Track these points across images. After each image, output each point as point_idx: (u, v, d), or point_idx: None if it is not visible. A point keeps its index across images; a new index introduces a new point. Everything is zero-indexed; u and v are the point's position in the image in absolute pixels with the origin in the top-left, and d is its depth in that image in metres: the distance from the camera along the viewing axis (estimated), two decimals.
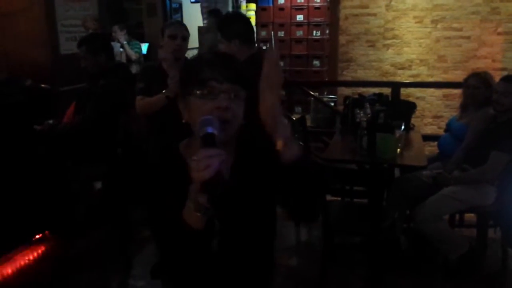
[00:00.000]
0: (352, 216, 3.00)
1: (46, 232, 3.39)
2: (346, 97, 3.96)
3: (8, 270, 3.00)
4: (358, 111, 3.45)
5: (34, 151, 3.32)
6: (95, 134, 3.26)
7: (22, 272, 3.02)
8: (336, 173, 2.94)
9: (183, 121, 1.19)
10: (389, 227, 3.10)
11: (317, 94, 6.35)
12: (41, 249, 3.27)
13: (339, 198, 3.43)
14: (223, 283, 1.25)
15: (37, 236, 3.35)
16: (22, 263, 3.10)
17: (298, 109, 7.38)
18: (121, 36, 6.09)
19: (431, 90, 6.04)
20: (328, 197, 3.07)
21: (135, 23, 7.42)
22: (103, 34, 3.66)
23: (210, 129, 1.01)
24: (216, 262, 1.18)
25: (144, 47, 6.60)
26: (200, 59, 1.21)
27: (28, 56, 3.82)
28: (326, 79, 7.30)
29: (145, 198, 1.21)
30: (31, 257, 3.17)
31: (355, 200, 3.39)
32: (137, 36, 6.63)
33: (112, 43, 5.36)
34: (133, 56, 5.93)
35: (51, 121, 3.39)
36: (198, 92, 1.13)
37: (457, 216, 3.41)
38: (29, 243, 3.28)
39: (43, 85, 3.78)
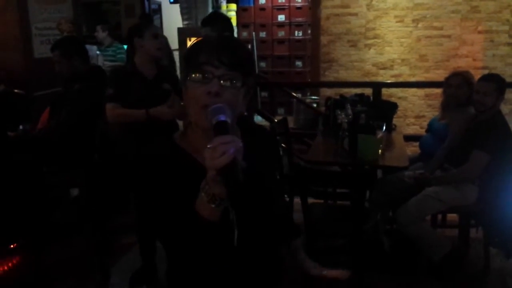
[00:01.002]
0: (335, 218, 2.97)
1: (19, 242, 3.28)
2: (328, 98, 3.92)
3: None
4: (339, 112, 3.41)
5: (7, 157, 3.22)
6: (70, 139, 3.18)
7: None
8: (318, 175, 2.90)
9: (181, 103, 1.16)
10: (372, 229, 3.06)
11: (300, 95, 6.33)
12: (14, 260, 3.17)
13: (322, 201, 3.39)
14: (240, 278, 1.21)
15: (11, 246, 3.24)
16: None
17: (281, 110, 7.36)
18: (104, 37, 6.00)
19: (413, 90, 6.05)
20: (311, 200, 3.03)
21: (114, 24, 7.30)
22: (76, 37, 3.57)
23: (222, 117, 0.99)
24: (236, 256, 1.14)
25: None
26: (202, 42, 1.15)
27: (0, 60, 3.71)
28: (309, 80, 7.28)
29: (148, 198, 1.12)
30: (5, 268, 3.06)
31: (338, 202, 3.36)
32: (115, 37, 6.52)
33: (88, 46, 5.29)
34: (103, 65, 5.78)
35: (24, 127, 3.29)
36: (193, 75, 1.09)
37: (440, 217, 3.39)
38: (2, 253, 3.17)
39: (16, 90, 3.68)
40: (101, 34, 6.03)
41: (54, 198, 3.44)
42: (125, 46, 6.42)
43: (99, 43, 6.10)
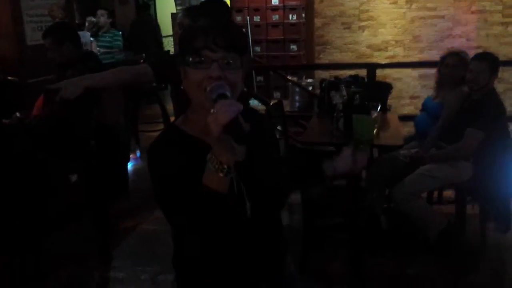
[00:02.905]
0: (332, 198, 2.99)
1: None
2: (322, 80, 3.93)
3: None
4: (334, 94, 3.42)
5: (3, 145, 3.21)
6: (66, 126, 3.17)
7: None
8: (314, 155, 2.92)
9: (181, 87, 1.17)
10: (369, 207, 3.10)
11: (295, 78, 6.32)
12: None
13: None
14: (252, 250, 1.23)
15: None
16: None
17: (277, 94, 7.35)
18: (105, 22, 5.97)
19: (408, 70, 6.04)
20: None
21: (109, 11, 7.26)
22: (68, 23, 3.54)
23: (222, 90, 1.02)
24: (249, 227, 1.17)
25: None
26: (195, 27, 1.16)
27: None
28: (304, 63, 7.26)
29: (164, 184, 1.12)
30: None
31: (334, 182, 3.38)
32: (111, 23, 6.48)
33: (81, 32, 5.25)
34: (97, 52, 5.73)
35: (19, 114, 3.29)
36: (191, 60, 1.11)
37: (436, 193, 3.43)
38: None
39: (10, 78, 3.66)
40: (103, 19, 5.98)
41: (53, 185, 3.44)
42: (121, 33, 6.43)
43: (95, 29, 6.07)
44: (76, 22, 6.61)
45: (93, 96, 3.16)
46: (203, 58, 1.09)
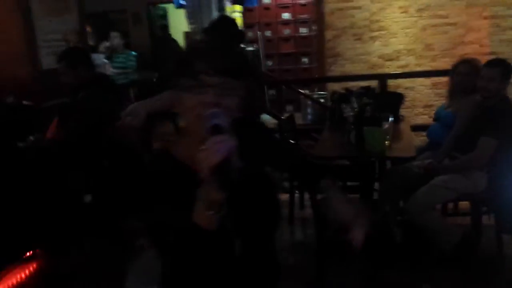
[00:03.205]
0: None
1: (37, 249, 3.34)
2: (333, 93, 3.92)
3: None
4: (344, 106, 3.42)
5: (18, 168, 3.28)
6: (80, 147, 3.22)
7: None
8: (326, 169, 2.90)
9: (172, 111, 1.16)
10: (382, 220, 3.06)
11: (307, 91, 6.33)
12: (32, 267, 3.22)
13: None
14: (238, 282, 1.19)
15: (28, 254, 3.29)
16: (14, 281, 3.04)
17: (290, 107, 7.36)
18: (119, 43, 6.10)
19: (420, 79, 6.00)
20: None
21: (122, 33, 7.41)
22: (81, 47, 3.62)
23: (217, 121, 0.99)
24: (237, 264, 1.13)
25: None
26: (191, 50, 1.16)
27: (9, 73, 3.78)
28: (316, 76, 7.27)
29: (147, 209, 1.12)
30: (22, 275, 3.12)
31: (347, 195, 3.35)
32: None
33: (95, 55, 5.36)
34: (111, 73, 5.84)
35: (32, 138, 3.35)
36: (186, 84, 1.07)
37: (451, 205, 3.37)
38: (20, 261, 3.23)
39: (25, 102, 3.74)
40: (116, 40, 6.11)
41: (67, 205, 3.48)
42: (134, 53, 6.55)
43: (109, 52, 6.20)
44: (91, 44, 6.79)
45: (104, 114, 3.21)
46: (198, 83, 1.05)
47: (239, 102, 1.12)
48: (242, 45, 2.79)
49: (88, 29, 7.72)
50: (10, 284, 3.01)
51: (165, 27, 8.39)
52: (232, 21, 2.90)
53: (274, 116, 4.73)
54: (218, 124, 0.98)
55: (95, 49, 6.40)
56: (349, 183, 3.27)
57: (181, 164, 1.14)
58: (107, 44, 6.15)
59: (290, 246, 3.39)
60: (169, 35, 8.13)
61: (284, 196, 3.88)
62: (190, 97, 1.07)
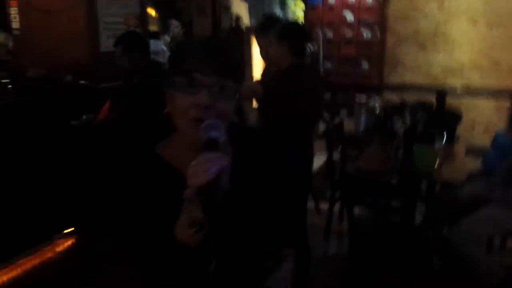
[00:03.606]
0: (383, 234, 2.85)
1: (75, 227, 3.45)
2: (386, 103, 3.78)
3: (37, 260, 3.05)
4: (396, 119, 3.28)
5: (69, 146, 3.39)
6: (128, 132, 3.28)
7: (49, 265, 3.07)
8: (366, 185, 2.80)
9: (164, 112, 1.06)
10: (422, 246, 2.91)
11: (364, 97, 6.16)
12: (70, 242, 3.32)
13: (371, 212, 3.27)
14: None
15: (66, 231, 3.41)
16: (51, 254, 3.15)
17: (344, 112, 7.20)
18: (179, 32, 6.21)
19: (483, 98, 5.67)
20: (358, 211, 2.94)
21: (187, 22, 7.52)
22: (138, 32, 3.68)
23: (214, 134, 0.93)
24: (211, 285, 1.07)
25: None
26: (186, 46, 1.09)
27: (69, 52, 3.91)
28: (372, 83, 7.06)
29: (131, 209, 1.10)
30: (59, 250, 3.22)
31: (389, 215, 3.22)
32: (185, 34, 6.71)
33: (154, 41, 5.44)
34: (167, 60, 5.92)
35: (87, 117, 3.45)
36: (179, 83, 1.00)
37: (498, 241, 3.16)
38: (59, 237, 3.34)
39: (82, 82, 3.86)
40: (176, 30, 6.21)
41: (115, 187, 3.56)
42: None
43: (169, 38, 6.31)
44: (155, 30, 6.93)
45: (155, 102, 3.25)
46: (192, 82, 0.98)
47: (235, 105, 1.04)
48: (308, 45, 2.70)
49: (154, 14, 7.93)
50: (46, 256, 3.12)
51: (238, 19, 8.45)
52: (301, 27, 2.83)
53: (324, 121, 4.62)
54: (215, 138, 0.93)
55: (157, 35, 6.54)
56: (392, 203, 3.14)
57: (169, 167, 1.08)
58: (167, 38, 6.23)
59: (321, 260, 3.30)
60: (241, 27, 8.18)
61: (324, 206, 3.81)
62: (183, 97, 1.00)
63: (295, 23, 3.04)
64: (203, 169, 0.87)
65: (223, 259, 1.05)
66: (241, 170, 1.07)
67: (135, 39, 3.43)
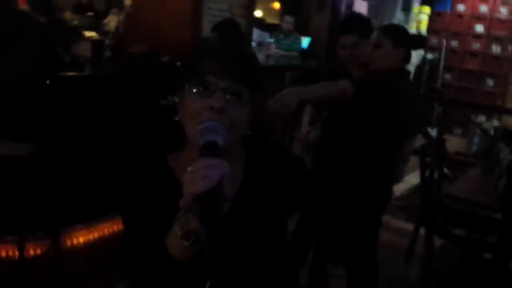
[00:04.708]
0: (468, 271, 2.50)
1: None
2: (497, 128, 3.31)
3: (95, 235, 3.10)
4: (503, 146, 2.86)
5: (154, 124, 3.45)
6: None
7: (108, 239, 3.09)
8: (458, 215, 2.45)
9: (176, 119, 0.99)
10: None
11: (483, 117, 5.57)
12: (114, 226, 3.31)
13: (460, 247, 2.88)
14: None
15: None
16: (110, 230, 3.16)
17: (458, 131, 6.59)
18: (290, 28, 6.17)
19: None
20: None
21: (304, 18, 7.44)
22: (235, 21, 3.61)
23: (213, 137, 0.84)
24: None
25: (306, 41, 6.53)
26: (202, 48, 1.03)
27: (171, 34, 3.99)
28: (498, 103, 6.35)
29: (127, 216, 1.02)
30: (108, 231, 3.21)
31: (479, 252, 2.81)
32: (301, 29, 6.60)
33: (261, 32, 5.39)
34: (273, 53, 5.84)
35: (173, 98, 3.48)
36: (193, 86, 0.94)
37: None
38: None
39: (178, 63, 3.91)
40: (287, 26, 6.17)
41: None
42: (307, 39, 6.50)
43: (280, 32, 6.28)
44: (275, 23, 6.94)
45: None
46: (206, 85, 0.92)
47: (248, 115, 0.95)
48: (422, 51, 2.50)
49: (277, 6, 7.95)
50: (94, 235, 3.13)
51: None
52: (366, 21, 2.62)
53: (423, 135, 4.20)
54: (214, 141, 0.83)
55: (273, 28, 6.54)
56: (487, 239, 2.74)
57: (174, 180, 0.99)
58: (281, 36, 6.17)
59: (393, 282, 3.00)
60: None
61: (409, 226, 3.49)
62: (195, 100, 0.92)
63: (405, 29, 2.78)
64: (201, 176, 0.77)
65: (221, 277, 0.95)
66: (250, 184, 1.01)
67: (231, 27, 3.39)
